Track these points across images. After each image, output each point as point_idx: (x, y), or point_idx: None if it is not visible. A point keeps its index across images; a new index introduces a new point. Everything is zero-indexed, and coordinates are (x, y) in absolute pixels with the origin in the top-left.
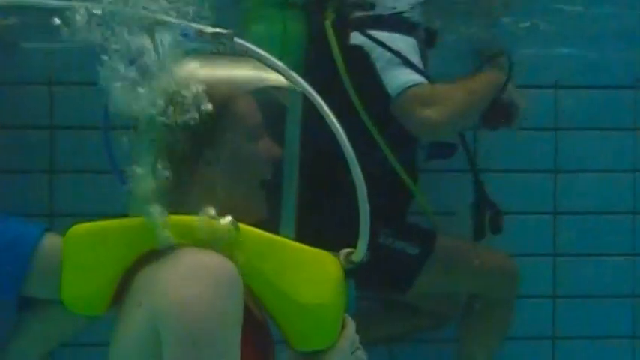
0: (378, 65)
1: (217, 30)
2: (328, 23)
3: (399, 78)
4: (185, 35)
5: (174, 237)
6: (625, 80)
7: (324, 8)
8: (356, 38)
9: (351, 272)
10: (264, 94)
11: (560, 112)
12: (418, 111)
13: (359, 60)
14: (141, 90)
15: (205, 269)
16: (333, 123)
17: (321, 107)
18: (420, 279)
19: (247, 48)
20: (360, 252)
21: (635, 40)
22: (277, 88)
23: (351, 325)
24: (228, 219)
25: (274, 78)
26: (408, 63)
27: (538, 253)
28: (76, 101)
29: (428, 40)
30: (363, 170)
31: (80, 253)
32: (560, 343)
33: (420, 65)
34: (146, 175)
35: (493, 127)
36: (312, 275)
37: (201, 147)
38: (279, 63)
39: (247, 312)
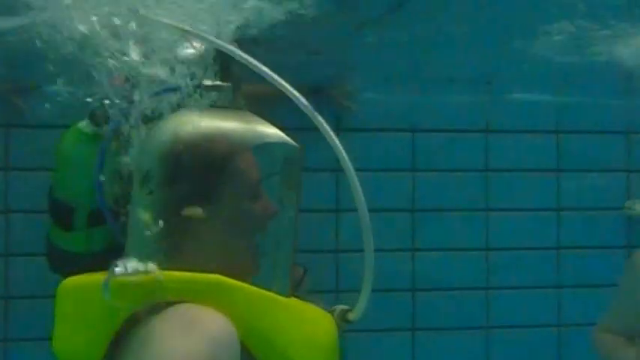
0: None
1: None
2: None
3: None
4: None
5: (171, 293)
6: None
7: None
8: None
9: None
10: (263, 150)
11: None
12: None
13: None
14: (135, 145)
15: (204, 327)
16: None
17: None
18: None
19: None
20: (358, 311)
21: None
22: (277, 144)
23: None
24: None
25: (274, 133)
26: None
27: None
28: None
29: None
30: None
31: (73, 306)
32: None
33: None
34: (143, 230)
35: None
36: (307, 333)
37: (198, 203)
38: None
39: None
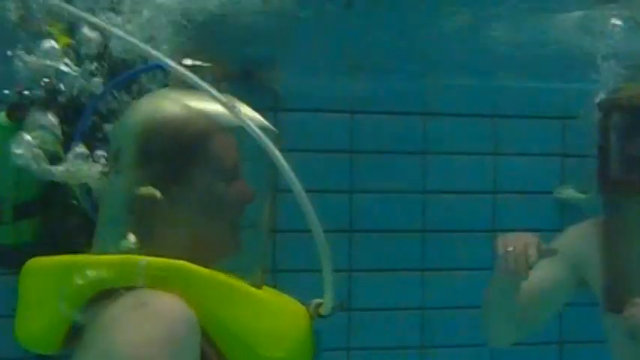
0: None
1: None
2: None
3: None
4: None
5: (134, 277)
6: None
7: None
8: None
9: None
10: (239, 133)
11: None
12: None
13: None
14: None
15: (162, 313)
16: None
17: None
18: None
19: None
20: (327, 305)
21: None
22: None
23: None
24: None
25: (251, 116)
26: None
27: None
28: None
29: None
30: None
31: (33, 287)
32: None
33: None
34: (113, 212)
35: None
36: (275, 326)
37: (167, 183)
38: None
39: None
